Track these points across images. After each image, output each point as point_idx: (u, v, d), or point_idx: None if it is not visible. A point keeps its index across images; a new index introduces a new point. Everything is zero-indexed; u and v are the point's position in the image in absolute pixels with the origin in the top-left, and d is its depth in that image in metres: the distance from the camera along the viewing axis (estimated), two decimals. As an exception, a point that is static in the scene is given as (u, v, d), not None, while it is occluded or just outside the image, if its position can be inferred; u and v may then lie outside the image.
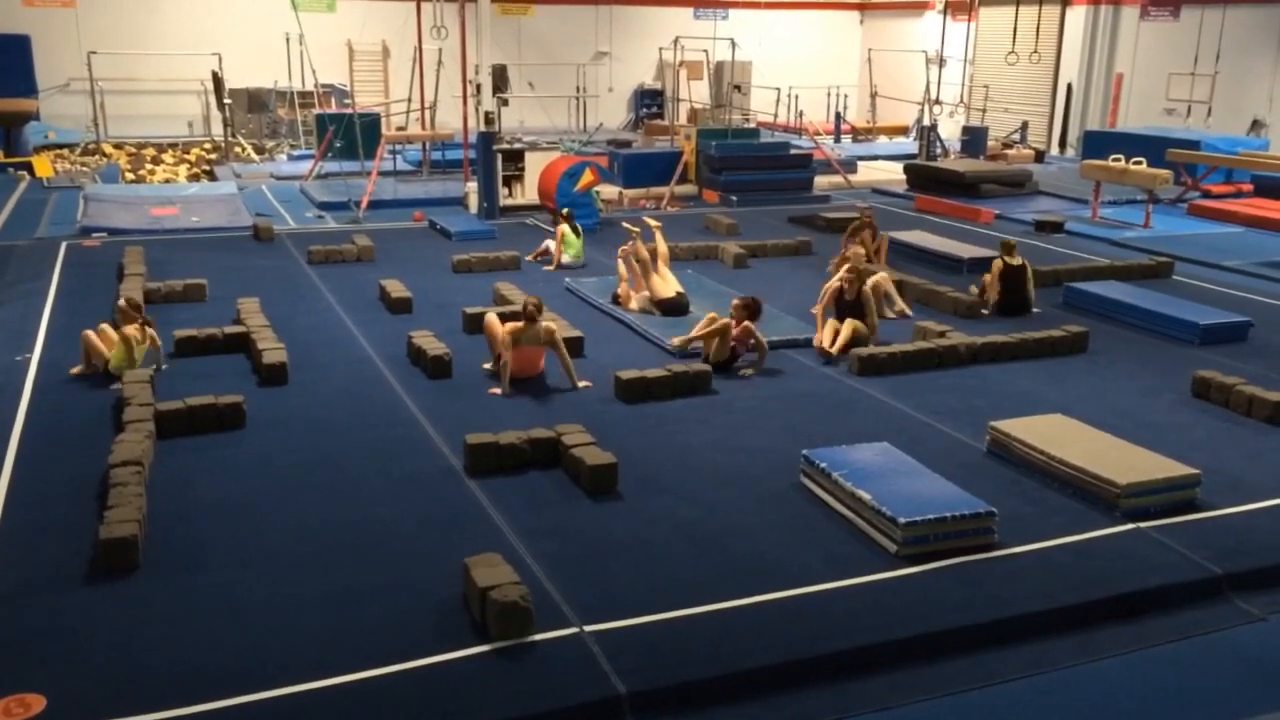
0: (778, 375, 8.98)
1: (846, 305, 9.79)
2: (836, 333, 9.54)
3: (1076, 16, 25.55)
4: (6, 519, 6.11)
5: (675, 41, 22.62)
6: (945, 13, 23.86)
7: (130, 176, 20.47)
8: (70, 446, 7.16)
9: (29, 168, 20.17)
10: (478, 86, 16.29)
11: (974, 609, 5.34)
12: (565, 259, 12.81)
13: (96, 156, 22.63)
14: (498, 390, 8.35)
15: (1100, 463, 6.59)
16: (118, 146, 23.74)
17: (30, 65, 24.73)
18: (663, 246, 11.08)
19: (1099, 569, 5.74)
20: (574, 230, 13.03)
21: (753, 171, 18.37)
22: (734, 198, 17.76)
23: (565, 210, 13.49)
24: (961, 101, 25.88)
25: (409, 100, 21.04)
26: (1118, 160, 16.69)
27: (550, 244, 13.10)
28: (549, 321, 8.78)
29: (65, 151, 22.96)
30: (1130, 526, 6.22)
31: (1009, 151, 23.67)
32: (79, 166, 21.35)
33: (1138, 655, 5.16)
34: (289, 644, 4.92)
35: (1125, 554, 5.92)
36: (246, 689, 4.56)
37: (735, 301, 9.23)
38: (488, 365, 8.82)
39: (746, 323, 9.00)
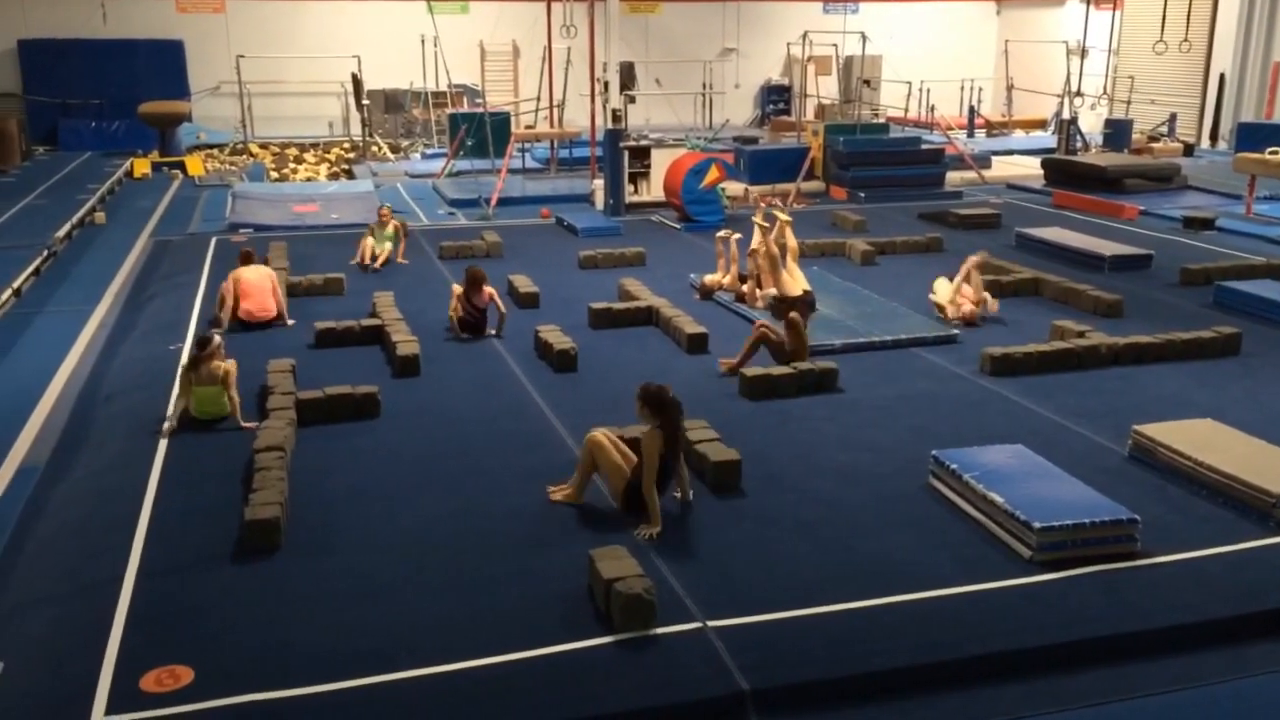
0: (905, 375, 8.79)
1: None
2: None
3: (1230, 2, 24.25)
4: (159, 500, 6.43)
5: (804, 36, 22.33)
6: (1088, 1, 22.96)
7: (275, 175, 21.38)
8: (217, 432, 7.50)
9: (182, 167, 21.28)
10: (605, 84, 16.42)
11: (1114, 619, 5.12)
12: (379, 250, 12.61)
13: (244, 156, 23.71)
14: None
15: (1254, 470, 6.24)
16: (263, 146, 24.82)
17: (184, 69, 26.12)
18: (793, 242, 10.95)
19: (1252, 581, 5.44)
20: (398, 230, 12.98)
21: (882, 167, 18.04)
22: (862, 194, 17.47)
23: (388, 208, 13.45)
24: (1104, 93, 24.85)
25: (538, 99, 21.37)
26: (1275, 153, 15.77)
27: (374, 245, 12.66)
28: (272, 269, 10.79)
29: (215, 151, 24.13)
30: (1287, 538, 5.87)
31: (1155, 145, 22.64)
32: (228, 166, 22.40)
33: (1294, 674, 4.87)
34: (418, 628, 5.05)
35: (1281, 567, 5.59)
36: (378, 670, 4.69)
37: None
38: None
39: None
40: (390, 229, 12.83)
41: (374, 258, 12.46)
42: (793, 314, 8.89)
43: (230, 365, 7.68)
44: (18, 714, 4.49)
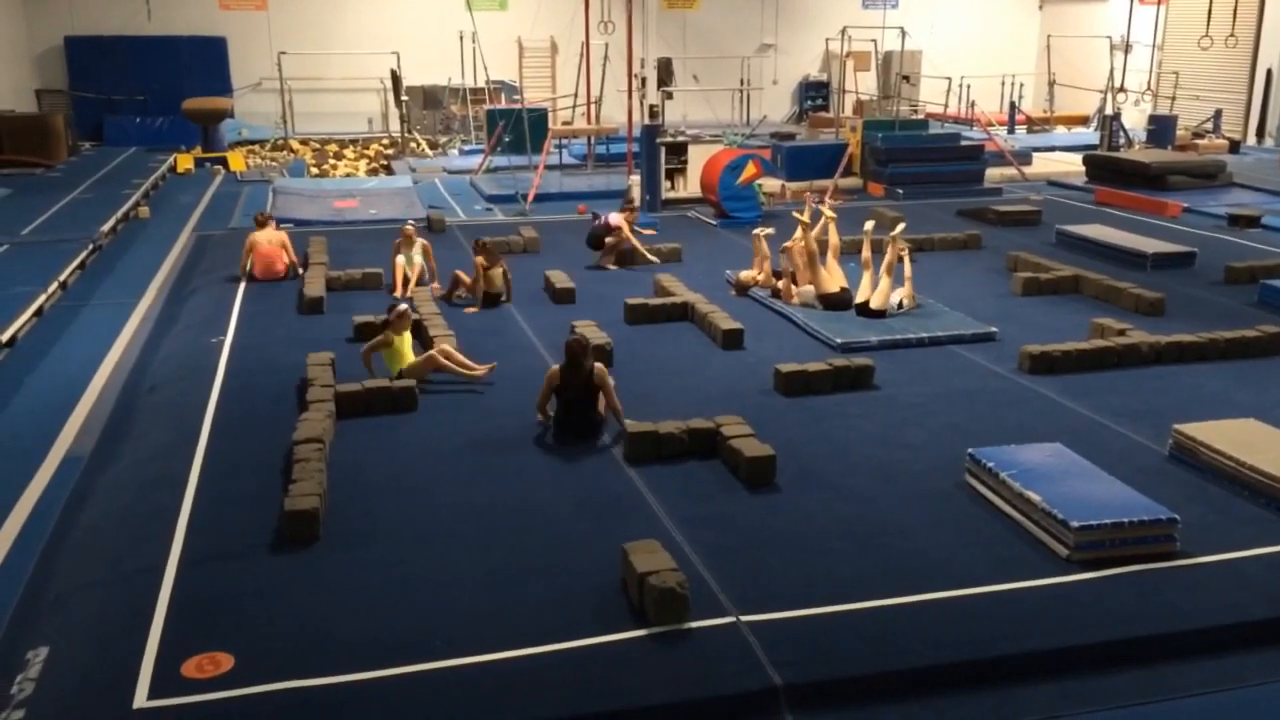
0: (942, 372, 8.74)
1: None
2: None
3: (1279, -4, 23.83)
4: (200, 490, 6.54)
5: (842, 32, 22.20)
6: (1132, -5, 22.67)
7: (315, 171, 21.59)
8: (258, 423, 7.60)
9: (224, 162, 21.56)
10: (643, 80, 16.45)
11: (1152, 619, 5.07)
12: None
13: (284, 152, 23.95)
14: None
15: (1298, 471, 6.14)
16: (304, 142, 25.06)
17: (226, 66, 26.50)
18: (835, 239, 10.92)
19: (1294, 584, 5.36)
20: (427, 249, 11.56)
21: (920, 163, 17.93)
22: (900, 190, 17.36)
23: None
24: (1148, 89, 24.51)
25: (575, 95, 21.41)
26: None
27: (404, 266, 11.17)
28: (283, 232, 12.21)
29: (256, 147, 24.40)
30: (1331, 541, 5.77)
31: (1200, 141, 22.29)
32: (269, 161, 22.66)
33: (1336, 678, 4.80)
34: (453, 619, 5.09)
35: (1324, 570, 5.50)
36: (414, 659, 4.74)
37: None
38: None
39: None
40: (417, 247, 11.42)
41: (405, 281, 11.03)
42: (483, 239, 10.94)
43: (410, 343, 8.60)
44: (63, 698, 4.59)
